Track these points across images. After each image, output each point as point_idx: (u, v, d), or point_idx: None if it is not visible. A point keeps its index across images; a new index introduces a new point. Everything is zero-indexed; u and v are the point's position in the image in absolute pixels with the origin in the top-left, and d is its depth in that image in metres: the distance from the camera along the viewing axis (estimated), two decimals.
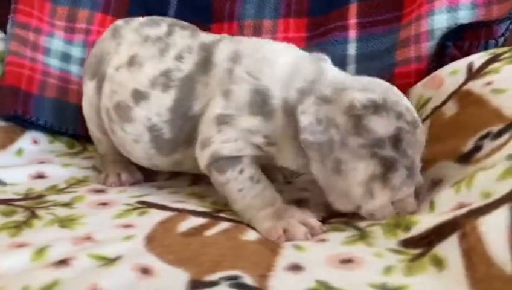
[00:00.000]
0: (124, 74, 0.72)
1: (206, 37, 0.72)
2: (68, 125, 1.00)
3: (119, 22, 0.80)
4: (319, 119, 0.55)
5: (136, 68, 0.71)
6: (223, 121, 0.62)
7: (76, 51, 1.06)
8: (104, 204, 0.68)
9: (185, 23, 0.77)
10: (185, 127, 0.67)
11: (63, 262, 0.48)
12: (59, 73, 1.03)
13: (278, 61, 0.63)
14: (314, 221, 0.57)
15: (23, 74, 0.98)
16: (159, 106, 0.68)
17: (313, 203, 0.67)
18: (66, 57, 1.05)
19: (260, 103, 0.61)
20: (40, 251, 0.51)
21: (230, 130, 0.62)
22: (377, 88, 0.57)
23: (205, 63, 0.67)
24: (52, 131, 0.99)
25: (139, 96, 0.69)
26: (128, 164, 0.83)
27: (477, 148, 0.56)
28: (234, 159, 0.62)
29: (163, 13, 1.03)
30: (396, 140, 0.55)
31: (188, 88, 0.67)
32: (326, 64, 0.64)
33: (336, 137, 0.55)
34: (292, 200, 0.67)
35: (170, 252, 0.51)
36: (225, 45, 0.68)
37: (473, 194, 0.48)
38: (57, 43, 1.05)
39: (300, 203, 0.67)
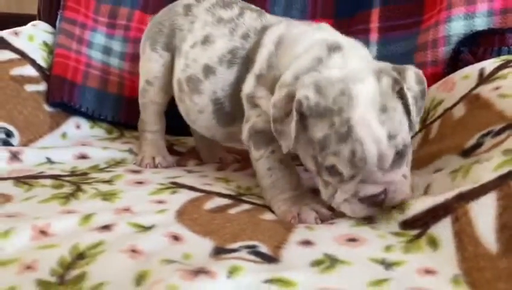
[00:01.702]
0: (197, 51, 0.80)
1: (269, 19, 0.79)
2: (108, 113, 1.09)
3: (190, 0, 0.87)
4: (286, 112, 0.60)
5: (208, 46, 0.80)
6: (252, 100, 0.71)
7: (116, 45, 1.16)
8: (140, 183, 0.76)
9: (254, 7, 0.84)
10: (240, 103, 0.75)
11: (106, 227, 0.56)
12: (100, 65, 1.13)
13: (296, 51, 0.68)
14: (324, 209, 0.63)
15: (69, 65, 1.08)
16: (223, 81, 0.77)
17: None
18: (107, 51, 1.15)
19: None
20: (87, 218, 0.59)
21: (258, 108, 0.70)
22: (332, 91, 0.58)
23: (258, 43, 0.74)
24: (93, 118, 1.09)
25: (208, 71, 0.78)
26: (163, 149, 0.91)
27: (478, 144, 0.61)
28: (268, 139, 0.68)
29: None
30: (321, 146, 0.58)
31: (246, 66, 0.75)
32: (339, 53, 0.64)
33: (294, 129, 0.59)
34: (308, 187, 0.73)
35: (197, 224, 0.58)
36: (276, 29, 0.74)
37: (467, 184, 0.53)
38: (99, 37, 1.15)
39: (314, 190, 0.73)
